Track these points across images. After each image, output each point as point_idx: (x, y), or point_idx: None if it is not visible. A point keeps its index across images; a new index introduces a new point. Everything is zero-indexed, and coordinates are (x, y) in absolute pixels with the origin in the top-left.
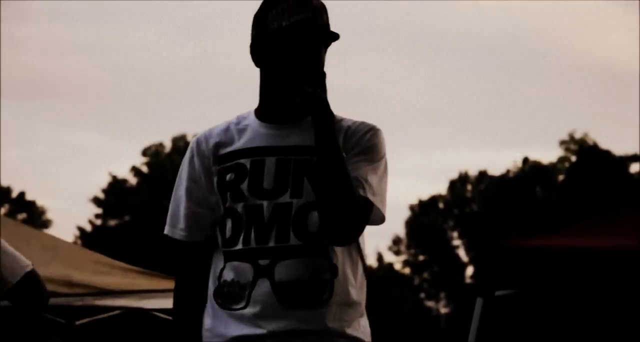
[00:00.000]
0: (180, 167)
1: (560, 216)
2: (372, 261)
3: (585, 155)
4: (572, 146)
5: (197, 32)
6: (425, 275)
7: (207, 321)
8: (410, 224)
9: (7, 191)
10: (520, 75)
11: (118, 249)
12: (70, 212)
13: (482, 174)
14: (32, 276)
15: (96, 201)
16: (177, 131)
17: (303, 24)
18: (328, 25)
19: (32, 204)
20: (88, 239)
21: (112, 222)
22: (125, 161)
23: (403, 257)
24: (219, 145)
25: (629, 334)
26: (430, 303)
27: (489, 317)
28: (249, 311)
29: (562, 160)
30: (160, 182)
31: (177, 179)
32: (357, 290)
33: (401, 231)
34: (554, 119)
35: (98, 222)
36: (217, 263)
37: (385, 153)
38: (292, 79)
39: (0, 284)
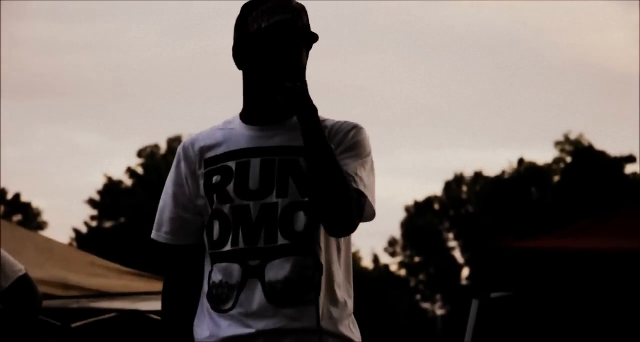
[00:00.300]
0: (169, 173)
1: (556, 217)
2: (367, 263)
3: (581, 156)
4: (568, 147)
5: (194, 32)
6: (421, 276)
7: (201, 327)
8: (405, 225)
9: (3, 192)
10: (515, 75)
11: (113, 251)
12: (66, 214)
13: (478, 175)
14: (24, 280)
15: (91, 202)
16: (172, 132)
17: (282, 24)
18: (308, 26)
19: (27, 205)
20: (83, 240)
21: (108, 224)
22: (120, 162)
23: (399, 258)
24: (205, 149)
25: (625, 335)
26: (426, 305)
27: (484, 319)
28: (238, 310)
29: (557, 161)
30: (156, 184)
31: (165, 184)
32: (342, 289)
33: (397, 232)
34: (549, 120)
35: (93, 223)
36: (206, 266)
37: (370, 150)
38: (273, 77)
39: None
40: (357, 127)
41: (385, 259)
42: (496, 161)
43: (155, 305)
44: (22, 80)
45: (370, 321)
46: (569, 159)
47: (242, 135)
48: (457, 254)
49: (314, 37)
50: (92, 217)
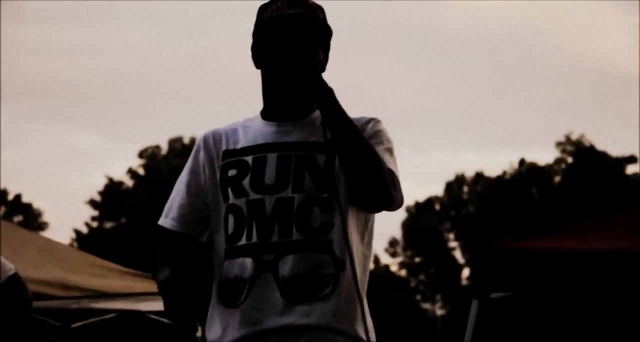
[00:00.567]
0: (187, 162)
1: (557, 218)
2: None
3: (582, 157)
4: (569, 148)
5: (195, 33)
6: (422, 277)
7: (213, 326)
8: (406, 225)
9: (4, 193)
10: (516, 76)
11: (114, 252)
12: (67, 215)
13: (479, 176)
14: (14, 279)
15: (92, 203)
16: (173, 133)
17: (295, 16)
18: (324, 21)
19: (28, 206)
20: (84, 241)
21: (109, 225)
22: (121, 163)
23: (399, 259)
24: (224, 141)
25: (625, 336)
26: (426, 305)
27: (484, 319)
28: (250, 305)
29: (558, 161)
30: (157, 185)
31: (181, 173)
32: (361, 287)
33: (397, 233)
34: (550, 121)
35: (94, 224)
36: (218, 262)
37: (392, 141)
38: (285, 62)
39: None
40: (375, 119)
41: (385, 259)
42: (497, 162)
43: (156, 305)
44: (23, 83)
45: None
46: (570, 160)
47: (260, 131)
48: (458, 255)
49: (328, 31)
50: (93, 218)
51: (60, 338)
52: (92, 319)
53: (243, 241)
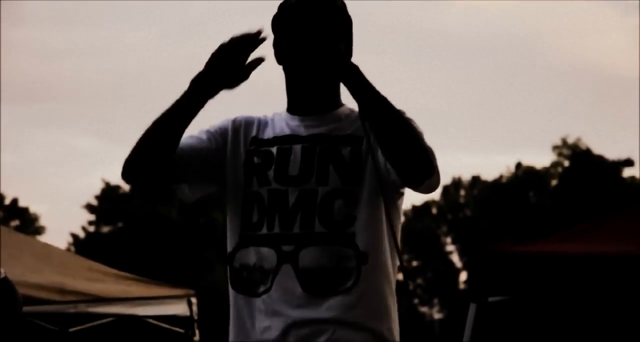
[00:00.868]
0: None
1: (554, 221)
2: None
3: (578, 160)
4: (565, 151)
5: (195, 34)
6: (419, 281)
7: (238, 320)
8: (403, 229)
9: (0, 197)
10: (513, 79)
11: (111, 256)
12: (64, 219)
13: (475, 179)
14: (4, 283)
15: (89, 207)
16: None
17: (314, 2)
18: (343, 9)
19: (25, 210)
20: (81, 245)
21: (106, 229)
22: (118, 167)
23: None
24: (255, 129)
25: (623, 339)
26: (424, 309)
27: (482, 323)
28: (271, 296)
29: (555, 165)
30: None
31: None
32: (387, 282)
33: None
34: (547, 124)
35: (91, 228)
36: (233, 247)
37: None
38: (309, 49)
39: None
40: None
41: None
42: (494, 165)
43: (154, 310)
44: (20, 85)
45: None
46: (566, 163)
47: (285, 124)
48: (455, 258)
49: (349, 21)
50: (90, 222)
51: None
52: (90, 324)
53: (264, 230)
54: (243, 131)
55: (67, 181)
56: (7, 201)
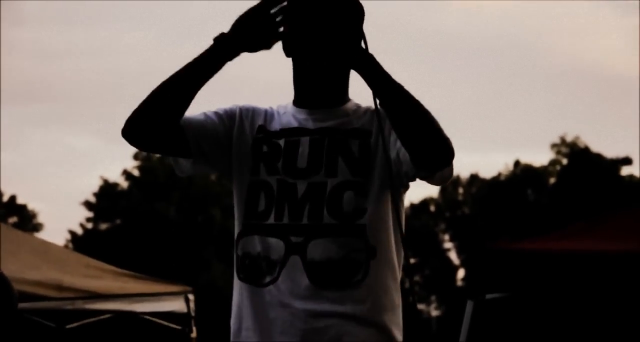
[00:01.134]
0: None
1: (552, 219)
2: None
3: (577, 159)
4: (564, 149)
5: (192, 36)
6: (417, 278)
7: (242, 309)
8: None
9: None
10: (511, 78)
11: (109, 253)
12: (62, 216)
13: (474, 177)
14: None
15: (87, 204)
16: None
17: None
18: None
19: (23, 207)
20: (79, 242)
21: (104, 226)
22: (116, 165)
23: None
24: (262, 118)
25: (621, 337)
26: (421, 306)
27: (479, 320)
28: (278, 287)
29: (553, 163)
30: (152, 186)
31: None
32: (393, 277)
33: None
34: (545, 122)
35: (89, 225)
36: (238, 235)
37: None
38: (323, 38)
39: None
40: None
41: None
42: (492, 163)
43: (151, 306)
44: (18, 84)
45: None
46: (565, 161)
47: (292, 116)
48: (453, 256)
49: (361, 12)
50: (88, 220)
51: (54, 339)
52: (87, 320)
53: (271, 220)
54: (250, 118)
55: (65, 179)
56: (5, 198)
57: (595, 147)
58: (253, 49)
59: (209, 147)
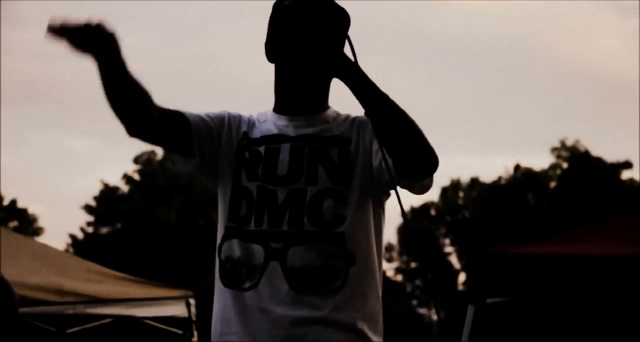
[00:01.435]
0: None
1: (552, 223)
2: None
3: (577, 162)
4: (564, 153)
5: (192, 37)
6: (418, 282)
7: (222, 312)
8: (402, 231)
9: None
10: (512, 81)
11: (110, 257)
12: (62, 220)
13: (474, 181)
14: (0, 283)
15: (88, 208)
16: None
17: (312, 1)
18: (342, 9)
19: (23, 211)
20: (80, 246)
21: (104, 230)
22: (117, 169)
23: (395, 264)
24: (245, 125)
25: (621, 341)
26: (422, 310)
27: (480, 325)
28: (258, 292)
29: (553, 167)
30: (152, 190)
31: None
32: (373, 283)
33: (393, 238)
34: (545, 126)
35: (90, 229)
36: (220, 239)
37: None
38: (308, 47)
39: None
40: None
41: None
42: (492, 167)
43: (152, 311)
44: (17, 87)
45: None
46: (565, 165)
47: (273, 123)
48: (454, 260)
49: (346, 16)
50: (89, 224)
51: None
52: (88, 325)
53: (252, 226)
54: (237, 124)
55: (65, 182)
56: (6, 202)
57: (596, 151)
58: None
59: (208, 150)
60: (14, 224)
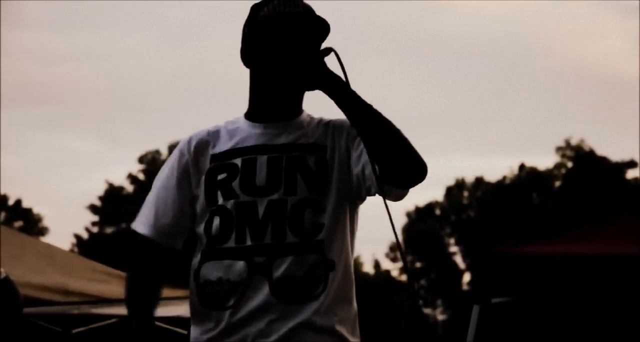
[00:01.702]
0: (165, 165)
1: (557, 223)
2: (369, 268)
3: (582, 162)
4: (569, 152)
5: (193, 38)
6: (423, 282)
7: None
8: (406, 230)
9: (4, 198)
10: (516, 81)
11: (115, 257)
12: (67, 220)
13: (479, 181)
14: (5, 283)
15: (93, 208)
16: (173, 138)
17: (294, 15)
18: (322, 19)
19: (28, 211)
20: (85, 246)
21: (109, 230)
22: (121, 168)
23: (400, 264)
24: (211, 146)
25: (626, 340)
26: (427, 310)
27: (485, 324)
28: (241, 308)
29: (558, 166)
30: None
31: (160, 175)
32: (350, 287)
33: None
34: (550, 126)
35: (95, 229)
36: (196, 263)
37: None
38: (287, 58)
39: None
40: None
41: (386, 264)
42: (497, 167)
43: (156, 311)
44: (24, 88)
45: (371, 326)
46: (570, 165)
47: (247, 133)
48: (459, 260)
49: (328, 30)
50: (94, 223)
51: None
52: (93, 325)
53: (231, 244)
54: (200, 151)
55: (70, 182)
56: (11, 202)
57: (600, 150)
58: None
59: (189, 219)
60: (19, 224)
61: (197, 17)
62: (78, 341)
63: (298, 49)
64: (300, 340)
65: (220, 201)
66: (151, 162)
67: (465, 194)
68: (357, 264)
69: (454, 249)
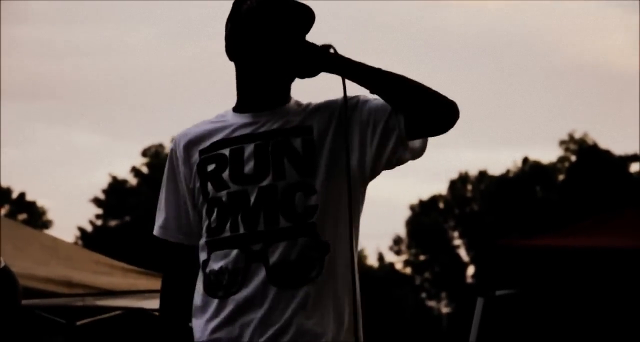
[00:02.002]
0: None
1: (561, 216)
2: (373, 261)
3: (585, 155)
4: (572, 146)
5: (196, 33)
6: (427, 275)
7: (203, 318)
8: (410, 223)
9: (8, 191)
10: (520, 75)
11: (118, 250)
12: (71, 213)
13: (482, 174)
14: (4, 273)
15: (96, 201)
16: (176, 132)
17: (275, 2)
18: (307, 6)
19: (32, 204)
20: (89, 239)
21: (113, 223)
22: (125, 162)
23: (404, 257)
24: (199, 141)
25: (629, 333)
26: (431, 303)
27: (489, 317)
28: (240, 295)
29: (562, 160)
30: (161, 183)
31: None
32: (351, 270)
33: (402, 231)
34: (553, 119)
35: (98, 222)
36: (202, 255)
37: None
38: (273, 49)
39: None
40: (357, 95)
41: (390, 257)
42: (501, 160)
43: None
44: (27, 82)
45: (376, 319)
46: (573, 158)
47: (235, 124)
48: (463, 253)
49: (310, 13)
50: (98, 216)
51: (65, 335)
52: (97, 317)
53: (227, 233)
54: (190, 148)
55: (72, 176)
56: (15, 195)
57: (604, 144)
58: None
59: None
60: (23, 216)
61: (201, 13)
62: (82, 333)
63: (288, 37)
64: (297, 321)
65: (213, 192)
66: (154, 156)
67: (469, 187)
68: (361, 257)
69: (457, 242)
